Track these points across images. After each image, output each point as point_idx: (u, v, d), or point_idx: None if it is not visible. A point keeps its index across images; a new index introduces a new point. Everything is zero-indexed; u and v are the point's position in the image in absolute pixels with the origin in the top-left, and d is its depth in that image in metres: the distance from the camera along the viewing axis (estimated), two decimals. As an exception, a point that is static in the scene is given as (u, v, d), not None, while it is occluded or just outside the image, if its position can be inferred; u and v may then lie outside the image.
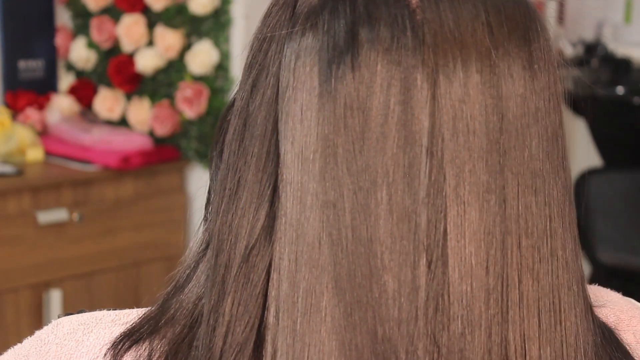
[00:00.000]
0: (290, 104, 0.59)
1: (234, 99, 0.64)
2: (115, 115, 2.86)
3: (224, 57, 2.70)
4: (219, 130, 0.66)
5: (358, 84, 0.57)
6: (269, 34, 0.61)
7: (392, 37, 0.57)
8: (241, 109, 0.62)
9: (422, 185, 0.56)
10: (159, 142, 2.79)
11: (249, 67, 0.62)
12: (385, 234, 0.56)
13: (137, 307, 0.68)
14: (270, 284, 0.59)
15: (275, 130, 0.59)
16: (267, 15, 0.62)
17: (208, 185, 0.67)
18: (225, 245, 0.61)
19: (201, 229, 0.67)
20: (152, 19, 2.77)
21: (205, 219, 0.67)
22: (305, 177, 0.58)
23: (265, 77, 0.60)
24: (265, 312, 0.59)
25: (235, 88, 0.64)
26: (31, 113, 2.78)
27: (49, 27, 2.91)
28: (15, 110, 2.78)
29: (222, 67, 2.70)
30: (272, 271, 0.59)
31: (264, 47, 0.61)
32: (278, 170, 0.59)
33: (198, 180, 2.84)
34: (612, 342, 0.65)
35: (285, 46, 0.60)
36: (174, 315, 0.64)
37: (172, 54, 2.73)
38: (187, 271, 0.66)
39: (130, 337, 0.66)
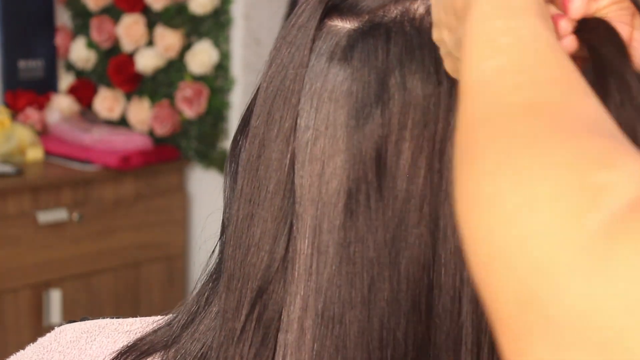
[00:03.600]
0: (310, 146, 0.56)
1: (248, 118, 0.61)
2: (115, 115, 2.86)
3: (224, 57, 2.70)
4: (234, 148, 0.63)
5: (386, 138, 0.54)
6: (288, 62, 0.58)
7: (424, 95, 0.54)
8: (256, 135, 0.59)
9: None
10: (159, 142, 2.79)
11: (265, 90, 0.59)
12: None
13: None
14: (281, 326, 0.57)
15: (292, 170, 0.57)
16: (283, 36, 0.59)
17: (223, 209, 0.64)
18: (236, 285, 0.58)
19: (214, 255, 0.65)
20: (152, 19, 2.77)
21: (221, 242, 0.64)
22: (324, 226, 0.55)
23: (283, 105, 0.57)
24: (275, 356, 0.57)
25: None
26: (31, 113, 2.78)
27: (49, 27, 2.91)
28: (15, 110, 2.78)
29: (222, 67, 2.70)
30: (283, 313, 0.57)
31: (282, 74, 0.58)
32: (294, 209, 0.57)
33: (198, 180, 2.84)
34: None
35: (307, 79, 0.57)
36: (183, 346, 0.63)
37: (172, 53, 2.73)
38: (200, 300, 0.63)
39: (134, 351, 0.65)
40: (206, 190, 2.82)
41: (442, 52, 0.53)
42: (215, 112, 2.73)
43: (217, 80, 2.72)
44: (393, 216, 0.54)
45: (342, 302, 0.55)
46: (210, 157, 2.77)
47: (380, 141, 0.54)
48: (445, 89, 0.54)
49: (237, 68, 2.70)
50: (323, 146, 0.56)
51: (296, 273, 0.56)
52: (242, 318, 0.58)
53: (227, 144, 2.75)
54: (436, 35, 0.53)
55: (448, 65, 0.53)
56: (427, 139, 0.54)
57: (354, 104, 0.55)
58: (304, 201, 0.56)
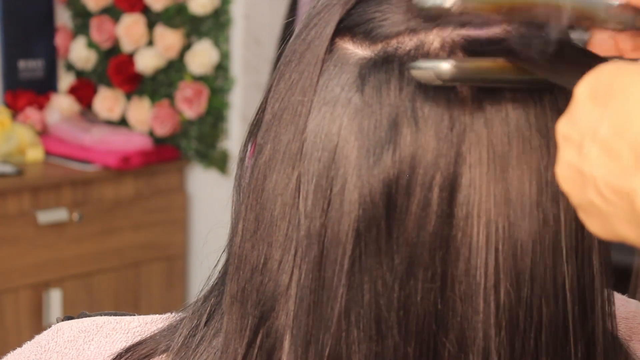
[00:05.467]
0: (316, 179, 0.54)
1: (255, 128, 0.59)
2: (115, 115, 2.86)
3: (224, 57, 2.70)
4: (242, 158, 0.61)
5: (397, 180, 0.52)
6: (296, 80, 0.56)
7: (436, 138, 0.52)
8: (262, 153, 0.57)
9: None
10: (159, 142, 2.79)
11: (273, 107, 0.57)
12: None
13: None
14: (282, 356, 0.56)
15: (298, 195, 0.55)
16: (293, 50, 0.57)
17: (230, 220, 0.61)
18: (239, 308, 0.57)
19: (217, 269, 0.64)
20: (152, 19, 2.78)
21: (226, 254, 0.62)
22: (330, 264, 0.53)
23: (290, 126, 0.55)
24: None
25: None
26: (31, 113, 2.78)
27: (49, 27, 2.91)
28: (15, 110, 2.79)
29: (222, 67, 2.70)
30: (285, 342, 0.56)
31: (289, 92, 0.56)
32: (299, 236, 0.55)
33: (198, 180, 2.84)
34: (617, 353, 0.60)
35: (315, 103, 0.54)
36: (185, 356, 0.62)
37: (172, 54, 2.73)
38: (202, 314, 0.62)
39: (133, 354, 0.65)
40: (206, 190, 2.82)
41: (580, 199, 0.44)
42: (215, 112, 2.73)
43: (217, 80, 2.72)
44: (402, 261, 0.52)
45: (349, 345, 0.53)
46: (210, 157, 2.77)
47: (391, 183, 0.52)
48: (457, 131, 0.52)
49: (237, 68, 2.70)
50: (330, 180, 0.53)
51: (299, 307, 0.55)
52: (245, 344, 0.57)
53: (227, 144, 2.75)
54: (573, 166, 0.44)
55: (595, 225, 0.44)
56: (438, 184, 0.52)
57: (365, 142, 0.52)
58: (308, 233, 0.54)
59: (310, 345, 0.54)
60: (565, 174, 0.44)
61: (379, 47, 0.54)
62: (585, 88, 0.44)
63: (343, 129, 0.53)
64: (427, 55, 0.53)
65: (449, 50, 0.53)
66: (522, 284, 0.52)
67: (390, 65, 0.53)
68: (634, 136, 0.40)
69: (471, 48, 0.53)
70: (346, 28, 0.55)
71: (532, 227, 0.52)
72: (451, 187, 0.52)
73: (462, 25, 0.53)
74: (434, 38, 0.53)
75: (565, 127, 0.45)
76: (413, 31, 0.53)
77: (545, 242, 0.52)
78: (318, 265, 0.54)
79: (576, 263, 0.53)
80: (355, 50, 0.54)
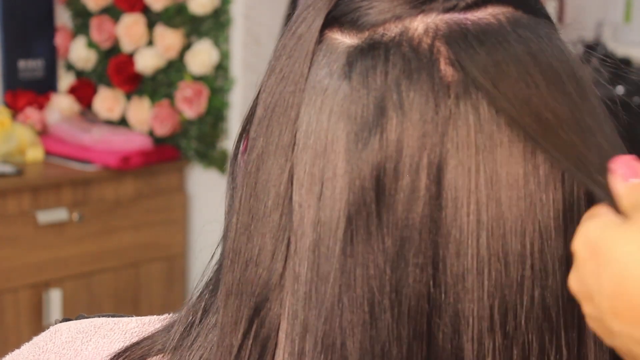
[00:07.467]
0: (308, 167, 0.55)
1: (248, 125, 0.60)
2: (115, 115, 2.86)
3: (224, 56, 2.70)
4: (235, 154, 0.62)
5: (384, 163, 0.53)
6: (287, 73, 0.57)
7: (421, 120, 0.53)
8: (254, 147, 0.58)
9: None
10: (159, 142, 2.79)
11: (265, 101, 0.58)
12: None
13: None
14: (277, 345, 0.56)
15: (291, 185, 0.55)
16: (283, 45, 0.58)
17: (225, 215, 0.62)
18: (234, 301, 0.58)
19: (211, 265, 0.64)
20: (152, 19, 2.78)
21: (221, 249, 0.63)
22: (324, 250, 0.54)
23: (282, 118, 0.56)
24: None
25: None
26: (31, 113, 2.78)
27: (49, 27, 2.91)
28: (15, 110, 2.79)
29: (221, 67, 2.70)
30: (280, 333, 0.56)
31: (281, 85, 0.57)
32: (292, 226, 0.55)
33: (198, 180, 2.84)
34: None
35: (305, 93, 0.56)
36: (181, 358, 0.63)
37: (172, 53, 2.73)
38: (197, 310, 0.63)
39: (130, 354, 0.65)
40: (206, 190, 2.82)
41: (611, 343, 0.49)
42: (215, 112, 2.73)
43: (217, 80, 2.72)
44: (393, 244, 0.53)
45: (343, 329, 0.54)
46: (210, 157, 2.77)
47: (379, 167, 0.53)
48: (443, 114, 0.52)
49: (237, 68, 2.70)
50: (322, 167, 0.54)
51: (294, 296, 0.55)
52: (240, 335, 0.57)
53: (227, 144, 2.75)
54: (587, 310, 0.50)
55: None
56: (425, 166, 0.52)
57: (353, 127, 0.53)
58: (302, 222, 0.55)
59: (307, 333, 0.55)
60: (593, 325, 0.49)
61: (366, 34, 0.55)
62: (580, 246, 0.49)
63: (332, 116, 0.54)
64: (411, 41, 0.54)
65: (432, 36, 0.54)
66: (512, 265, 0.52)
67: (376, 52, 0.54)
68: (628, 298, 0.45)
69: (453, 35, 0.54)
70: (334, 19, 0.56)
71: (521, 209, 0.52)
72: (438, 170, 0.52)
73: (446, 10, 0.54)
74: (418, 24, 0.54)
75: (575, 284, 0.50)
76: (398, 18, 0.55)
77: (534, 223, 0.53)
78: (312, 253, 0.54)
79: (565, 244, 0.53)
80: (344, 40, 0.56)
